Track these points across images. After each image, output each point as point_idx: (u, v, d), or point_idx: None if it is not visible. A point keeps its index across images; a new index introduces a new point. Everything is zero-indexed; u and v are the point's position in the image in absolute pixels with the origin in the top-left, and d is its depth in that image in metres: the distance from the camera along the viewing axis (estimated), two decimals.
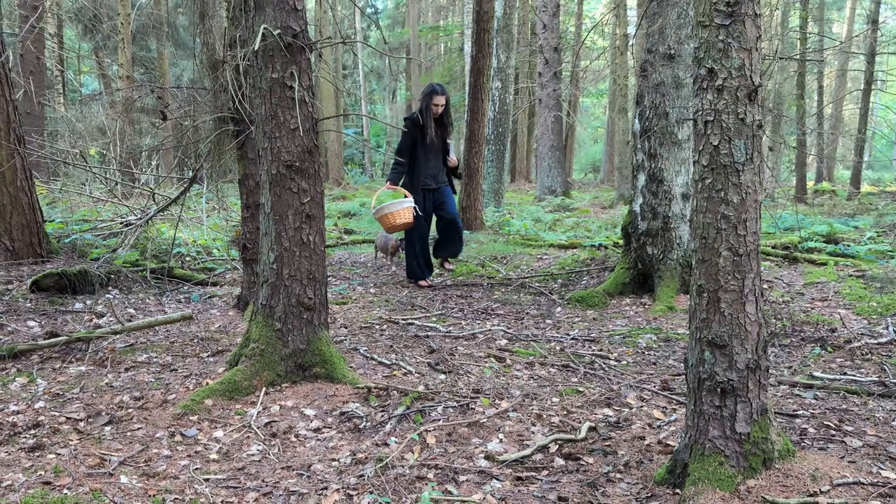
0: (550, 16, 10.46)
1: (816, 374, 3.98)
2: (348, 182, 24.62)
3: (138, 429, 3.29)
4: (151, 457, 3.00)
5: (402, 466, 2.90)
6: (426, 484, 2.75)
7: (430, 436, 3.21)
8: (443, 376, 4.09)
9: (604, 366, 4.29)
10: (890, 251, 8.04)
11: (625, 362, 4.42)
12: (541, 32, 10.60)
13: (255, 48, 3.57)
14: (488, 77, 11.06)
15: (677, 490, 2.59)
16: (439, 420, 3.40)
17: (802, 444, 3.01)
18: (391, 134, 35.44)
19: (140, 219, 6.87)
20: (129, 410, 3.50)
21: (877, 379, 3.80)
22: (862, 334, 4.69)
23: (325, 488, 2.73)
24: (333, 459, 3.00)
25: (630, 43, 17.66)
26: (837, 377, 3.90)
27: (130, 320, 5.21)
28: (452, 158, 7.04)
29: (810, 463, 2.59)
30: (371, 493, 2.66)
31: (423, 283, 7.01)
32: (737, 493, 2.46)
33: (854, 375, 3.91)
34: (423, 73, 29.04)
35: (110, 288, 6.45)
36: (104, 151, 11.04)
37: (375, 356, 4.44)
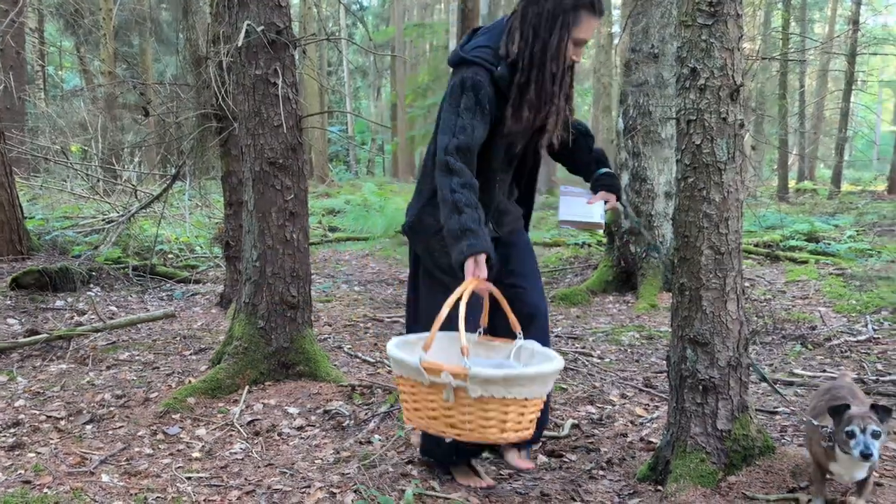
0: None
1: (797, 371, 4.02)
2: (333, 179, 24.53)
3: (120, 427, 3.27)
4: (133, 455, 2.98)
5: (386, 464, 2.90)
6: (410, 481, 2.75)
7: (414, 434, 3.21)
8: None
9: (587, 363, 4.31)
10: (869, 250, 8.14)
11: (608, 360, 4.44)
12: None
13: (239, 45, 3.56)
14: None
15: (659, 487, 2.61)
16: None
17: (783, 440, 3.04)
18: (376, 131, 35.39)
19: (122, 216, 6.83)
20: (111, 409, 3.48)
21: (856, 376, 3.85)
22: (841, 332, 4.74)
23: (309, 486, 2.72)
24: (317, 458, 3.00)
25: (614, 42, 17.75)
26: (817, 374, 3.94)
27: (112, 318, 5.17)
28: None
29: (790, 459, 2.61)
30: (355, 490, 2.66)
31: (465, 479, 2.72)
32: (718, 489, 2.48)
33: (833, 373, 3.95)
34: (408, 70, 29.00)
35: (92, 285, 6.39)
36: (86, 148, 10.95)
37: (360, 354, 4.43)
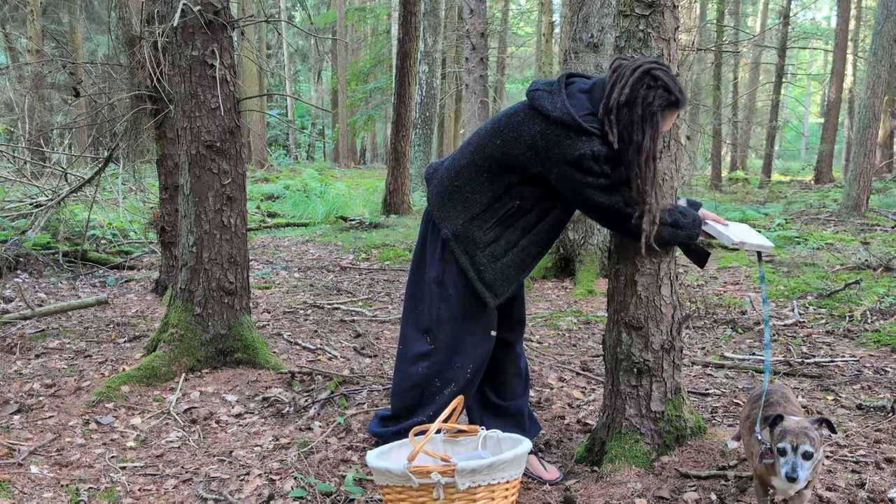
0: (477, 1, 10.49)
1: (727, 354, 4.16)
2: (272, 164, 24.15)
3: (50, 417, 3.17)
4: (64, 446, 2.90)
5: (327, 450, 2.89)
6: (350, 467, 2.75)
7: (354, 420, 3.20)
8: (368, 360, 4.09)
9: (526, 347, 4.37)
10: (797, 237, 8.45)
11: (546, 344, 4.51)
12: (468, 17, 10.63)
13: (175, 24, 3.46)
14: (415, 61, 11.01)
15: (595, 467, 2.67)
16: (364, 404, 3.40)
17: (713, 421, 3.14)
18: (316, 115, 34.95)
19: (51, 199, 6.59)
20: (40, 398, 3.37)
21: (783, 359, 4.00)
22: (770, 316, 4.91)
23: (247, 474, 2.70)
24: (256, 445, 2.97)
25: (555, 31, 17.89)
26: (747, 357, 4.08)
27: (41, 305, 5.00)
28: None
29: (720, 439, 2.71)
30: (294, 477, 2.65)
31: None
32: (651, 469, 2.55)
33: (762, 356, 4.09)
34: (349, 55, 28.70)
35: (19, 272, 6.17)
36: (12, 129, 10.51)
37: (299, 341, 4.40)
